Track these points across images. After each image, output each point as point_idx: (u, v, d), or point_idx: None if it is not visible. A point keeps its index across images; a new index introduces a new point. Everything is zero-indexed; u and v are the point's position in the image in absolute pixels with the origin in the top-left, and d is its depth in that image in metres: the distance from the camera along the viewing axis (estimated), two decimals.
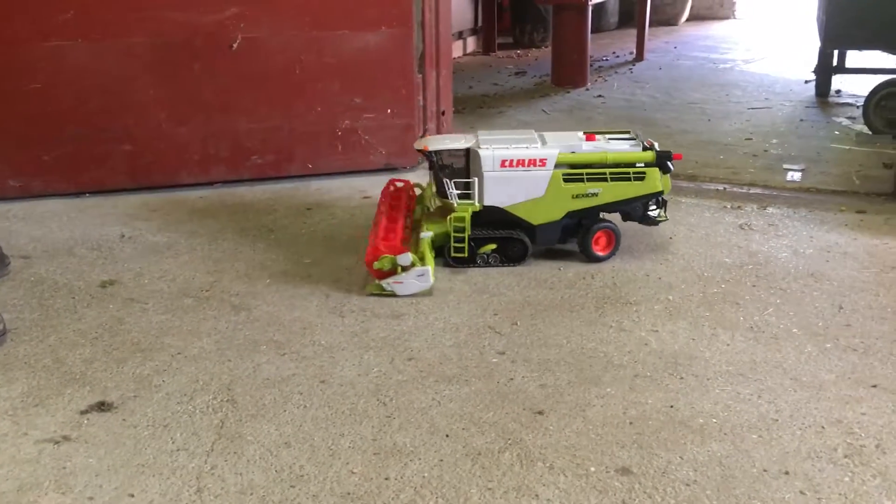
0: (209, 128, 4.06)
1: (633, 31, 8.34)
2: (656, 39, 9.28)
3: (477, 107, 6.07)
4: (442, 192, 3.13)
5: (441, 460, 1.99)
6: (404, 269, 2.86)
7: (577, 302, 2.84)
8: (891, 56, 5.68)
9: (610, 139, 3.25)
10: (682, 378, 2.34)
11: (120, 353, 2.52)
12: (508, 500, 1.86)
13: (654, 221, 3.26)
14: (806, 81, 6.68)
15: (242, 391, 2.30)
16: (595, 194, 3.11)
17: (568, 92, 6.56)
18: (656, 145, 3.17)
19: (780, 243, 3.34)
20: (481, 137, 3.16)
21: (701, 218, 3.61)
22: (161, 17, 3.85)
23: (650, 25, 8.57)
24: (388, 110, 4.27)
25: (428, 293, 2.89)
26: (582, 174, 3.09)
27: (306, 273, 3.10)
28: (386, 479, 1.93)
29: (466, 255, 3.09)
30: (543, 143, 3.16)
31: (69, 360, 2.47)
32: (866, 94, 5.15)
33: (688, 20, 11.04)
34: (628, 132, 3.35)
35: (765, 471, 1.94)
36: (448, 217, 3.07)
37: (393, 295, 2.86)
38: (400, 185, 3.57)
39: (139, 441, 2.08)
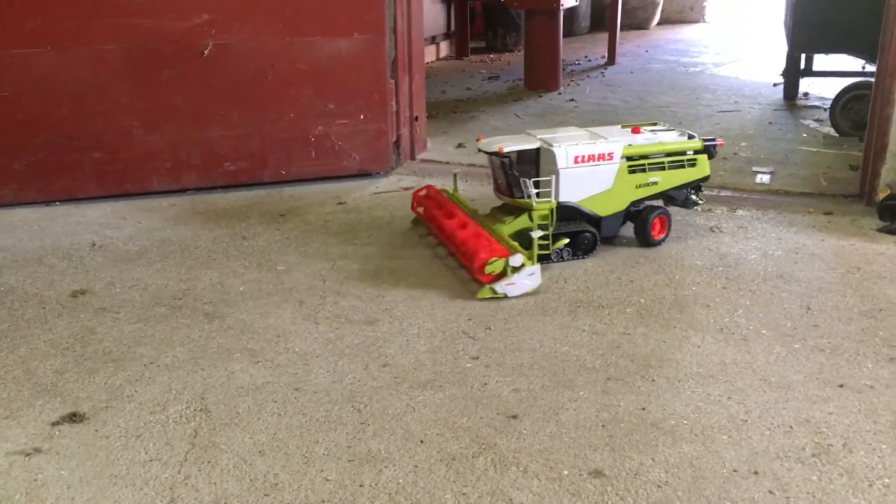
0: (180, 135, 4.05)
1: (605, 35, 8.42)
2: (628, 43, 9.37)
3: (450, 111, 6.09)
4: (514, 193, 3.16)
5: (416, 466, 2.00)
6: (515, 270, 2.89)
7: (549, 306, 2.86)
8: (857, 59, 5.78)
9: (653, 131, 3.45)
10: (653, 380, 2.37)
11: (91, 363, 2.50)
12: None
13: (695, 204, 3.50)
14: (774, 84, 6.78)
15: (216, 400, 2.29)
16: (655, 183, 3.33)
17: (540, 96, 6.60)
18: (696, 135, 3.43)
19: (750, 245, 3.38)
20: (541, 136, 3.25)
21: (672, 220, 3.64)
22: (130, 25, 3.83)
23: (621, 29, 8.66)
24: (362, 116, 4.28)
25: (533, 293, 2.92)
26: (644, 165, 3.29)
27: (280, 280, 3.09)
28: (360, 486, 1.93)
29: (549, 251, 3.16)
30: (602, 137, 3.29)
31: (40, 371, 2.45)
32: (833, 97, 5.24)
33: (658, 24, 11.15)
34: (656, 123, 3.61)
35: (735, 471, 1.97)
36: (530, 215, 3.12)
37: (504, 297, 2.89)
38: (423, 193, 3.59)
39: (111, 452, 2.06)
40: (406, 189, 4.19)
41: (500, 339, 2.63)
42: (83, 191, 3.99)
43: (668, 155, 3.32)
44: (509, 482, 1.94)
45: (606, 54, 8.24)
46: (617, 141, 3.25)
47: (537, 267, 2.95)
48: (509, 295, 2.90)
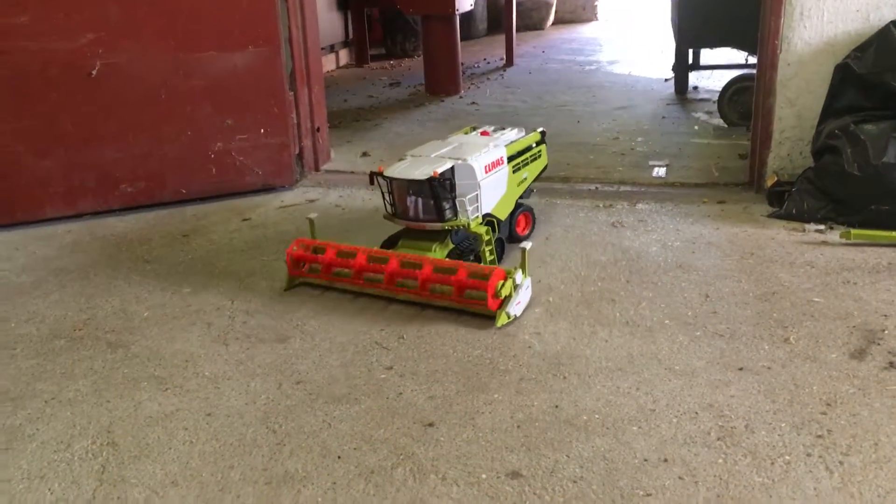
0: (73, 158, 3.90)
1: (502, 37, 8.54)
2: (524, 44, 9.53)
3: (353, 120, 6.07)
4: (443, 216, 2.94)
5: (334, 483, 1.99)
6: (516, 287, 2.78)
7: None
8: (741, 52, 6.04)
9: (496, 129, 3.52)
10: (565, 377, 2.42)
11: None
12: None
13: (530, 192, 3.61)
14: (665, 80, 7.02)
15: (123, 432, 2.22)
16: (525, 179, 3.44)
17: (442, 101, 6.65)
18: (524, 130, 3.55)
19: (650, 238, 3.49)
20: (436, 154, 3.05)
21: (576, 218, 3.74)
22: (11, 47, 3.67)
23: (518, 31, 8.80)
24: (262, 130, 4.22)
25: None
26: (519, 163, 3.36)
27: (186, 303, 3.02)
28: None
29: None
30: (485, 143, 3.22)
31: None
32: (720, 89, 5.45)
33: (553, 24, 11.39)
34: (476, 126, 3.60)
35: (645, 460, 2.03)
36: (478, 233, 3.00)
37: (515, 319, 2.76)
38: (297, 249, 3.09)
39: (14, 497, 1.97)
40: (311, 201, 4.16)
41: (413, 348, 2.63)
42: None
43: (526, 151, 3.42)
44: (429, 491, 1.94)
45: (504, 56, 8.36)
46: (501, 144, 3.24)
47: (529, 279, 2.89)
48: (517, 315, 2.78)
